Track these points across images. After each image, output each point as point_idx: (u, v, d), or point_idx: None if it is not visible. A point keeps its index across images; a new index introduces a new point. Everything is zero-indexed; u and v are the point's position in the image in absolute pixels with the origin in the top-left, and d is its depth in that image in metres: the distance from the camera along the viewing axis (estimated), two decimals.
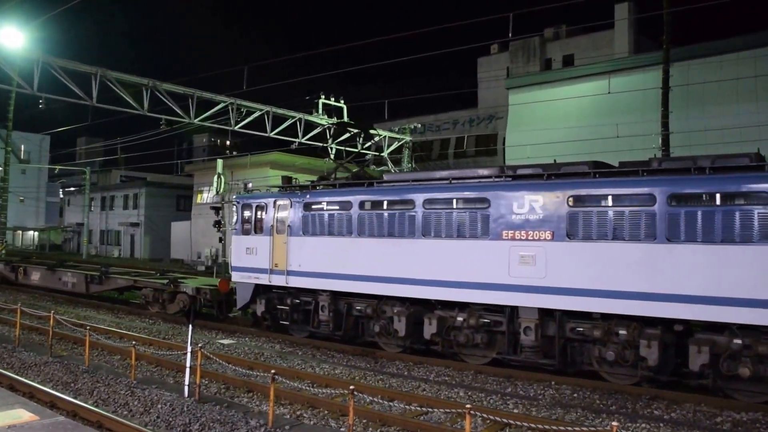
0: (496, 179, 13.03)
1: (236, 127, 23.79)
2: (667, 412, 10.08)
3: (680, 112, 24.82)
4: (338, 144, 27.60)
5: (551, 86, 32.60)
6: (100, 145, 76.17)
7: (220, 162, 33.33)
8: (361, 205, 14.49)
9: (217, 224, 29.46)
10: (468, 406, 7.32)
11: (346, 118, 27.05)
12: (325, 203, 15.26)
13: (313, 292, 15.47)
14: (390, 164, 30.62)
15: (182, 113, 22.18)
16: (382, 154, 30.45)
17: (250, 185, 42.44)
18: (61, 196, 78.45)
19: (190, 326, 10.76)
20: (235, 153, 54.95)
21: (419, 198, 13.49)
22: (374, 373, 12.69)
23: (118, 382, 10.95)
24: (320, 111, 26.11)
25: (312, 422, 9.40)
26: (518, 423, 9.18)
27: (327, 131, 26.74)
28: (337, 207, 14.94)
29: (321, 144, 26.94)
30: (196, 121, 22.69)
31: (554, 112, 31.14)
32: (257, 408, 9.91)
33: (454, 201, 13.07)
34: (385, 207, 14.10)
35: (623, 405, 10.45)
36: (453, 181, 13.58)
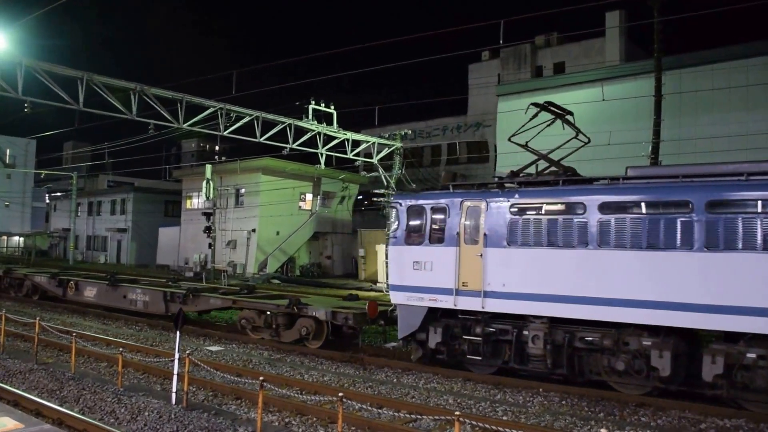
0: None
1: (225, 133, 23.69)
2: (653, 418, 10.19)
3: (672, 120, 25.03)
4: (329, 150, 27.61)
5: (543, 93, 32.77)
6: (88, 149, 75.73)
7: (209, 167, 33.24)
8: (604, 207, 11.50)
9: (208, 230, 29.32)
10: (457, 413, 7.31)
11: (335, 124, 27.08)
12: (543, 205, 12.28)
13: (515, 319, 12.56)
14: (381, 170, 30.61)
15: (171, 118, 22.04)
16: (372, 161, 30.46)
17: (243, 191, 42.43)
18: (48, 201, 77.79)
19: (178, 333, 10.69)
20: (224, 158, 54.83)
21: (700, 199, 10.61)
22: (363, 380, 12.65)
23: (105, 389, 10.83)
24: (310, 117, 26.11)
25: (301, 429, 9.37)
26: (507, 430, 9.11)
27: (317, 137, 26.73)
28: (564, 210, 12.00)
29: (312, 150, 26.92)
30: (184, 126, 22.57)
31: (546, 119, 31.23)
32: (245, 415, 9.86)
33: (760, 203, 10.18)
34: (644, 211, 11.18)
35: (611, 412, 10.51)
36: (750, 177, 10.56)
